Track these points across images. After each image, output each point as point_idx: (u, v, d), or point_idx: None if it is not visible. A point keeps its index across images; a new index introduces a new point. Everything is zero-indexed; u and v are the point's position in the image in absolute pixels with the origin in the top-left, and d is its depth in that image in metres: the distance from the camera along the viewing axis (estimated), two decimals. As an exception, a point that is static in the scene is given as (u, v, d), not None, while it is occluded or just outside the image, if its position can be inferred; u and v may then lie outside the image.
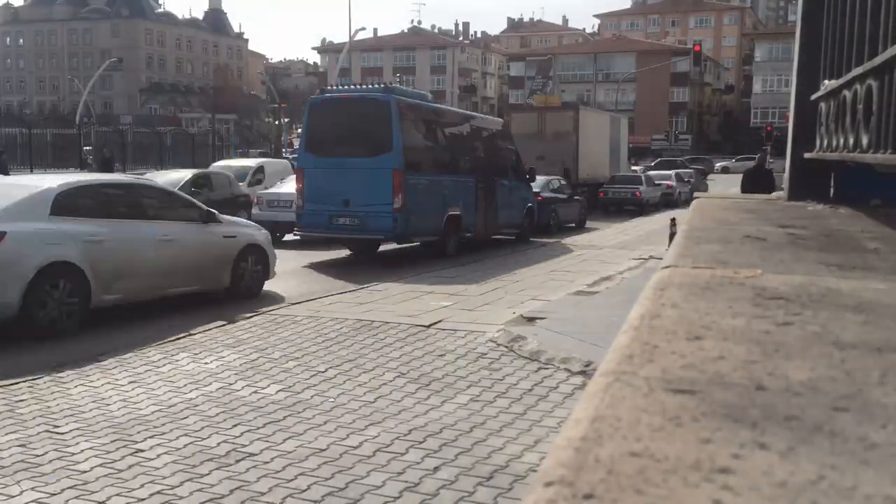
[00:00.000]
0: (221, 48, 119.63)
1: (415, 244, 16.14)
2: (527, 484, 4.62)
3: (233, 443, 5.35)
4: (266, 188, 19.96)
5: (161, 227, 9.98)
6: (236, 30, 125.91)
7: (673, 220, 12.95)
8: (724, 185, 38.90)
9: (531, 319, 9.03)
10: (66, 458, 5.07)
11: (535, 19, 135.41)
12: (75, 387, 6.66)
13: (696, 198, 3.65)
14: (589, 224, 23.76)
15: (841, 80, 2.57)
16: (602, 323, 8.71)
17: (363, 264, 15.04)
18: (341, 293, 11.07)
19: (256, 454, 5.14)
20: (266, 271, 11.35)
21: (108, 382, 6.78)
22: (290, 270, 13.50)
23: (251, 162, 24.92)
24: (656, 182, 31.69)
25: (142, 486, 4.65)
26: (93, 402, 6.27)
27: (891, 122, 1.95)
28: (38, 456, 5.11)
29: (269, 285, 11.66)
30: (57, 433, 5.55)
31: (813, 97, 3.14)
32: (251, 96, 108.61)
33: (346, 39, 45.36)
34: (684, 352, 1.08)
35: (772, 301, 1.41)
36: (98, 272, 8.95)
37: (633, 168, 38.48)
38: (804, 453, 0.76)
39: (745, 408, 0.87)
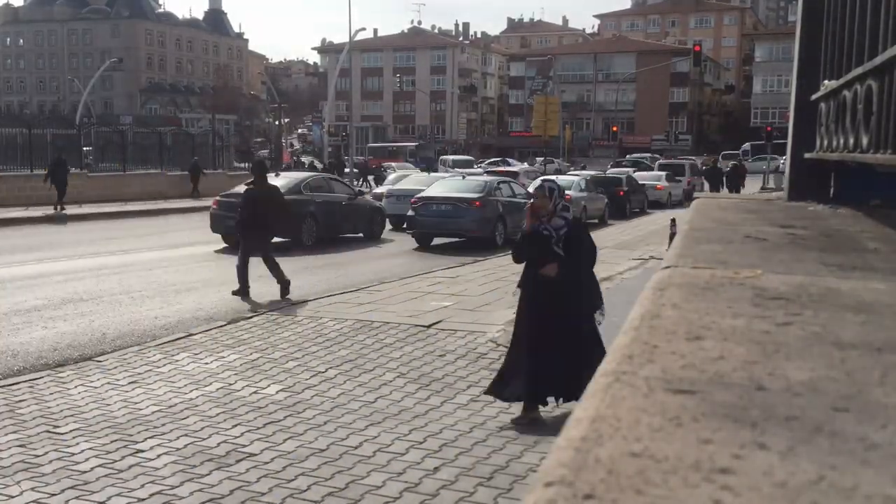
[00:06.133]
0: (221, 48, 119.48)
1: None
2: (527, 484, 4.62)
3: (233, 443, 5.36)
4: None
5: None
6: (236, 30, 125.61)
7: (673, 220, 13.00)
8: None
9: (531, 320, 9.00)
10: (66, 459, 5.07)
11: (534, 20, 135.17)
12: (75, 387, 6.66)
13: (696, 198, 3.64)
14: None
15: (841, 81, 2.57)
16: (602, 323, 8.69)
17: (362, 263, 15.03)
18: (341, 293, 11.06)
19: (256, 454, 5.14)
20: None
21: (108, 382, 6.78)
22: (288, 271, 13.45)
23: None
24: None
25: (142, 486, 4.65)
26: (93, 402, 6.27)
27: (891, 123, 1.95)
28: (37, 456, 5.12)
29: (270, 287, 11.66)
30: (57, 433, 5.56)
31: (813, 97, 3.15)
32: (251, 97, 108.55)
33: (347, 40, 45.32)
34: (684, 352, 1.08)
35: (772, 301, 1.41)
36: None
37: None
38: (804, 453, 0.76)
39: (746, 408, 0.87)
